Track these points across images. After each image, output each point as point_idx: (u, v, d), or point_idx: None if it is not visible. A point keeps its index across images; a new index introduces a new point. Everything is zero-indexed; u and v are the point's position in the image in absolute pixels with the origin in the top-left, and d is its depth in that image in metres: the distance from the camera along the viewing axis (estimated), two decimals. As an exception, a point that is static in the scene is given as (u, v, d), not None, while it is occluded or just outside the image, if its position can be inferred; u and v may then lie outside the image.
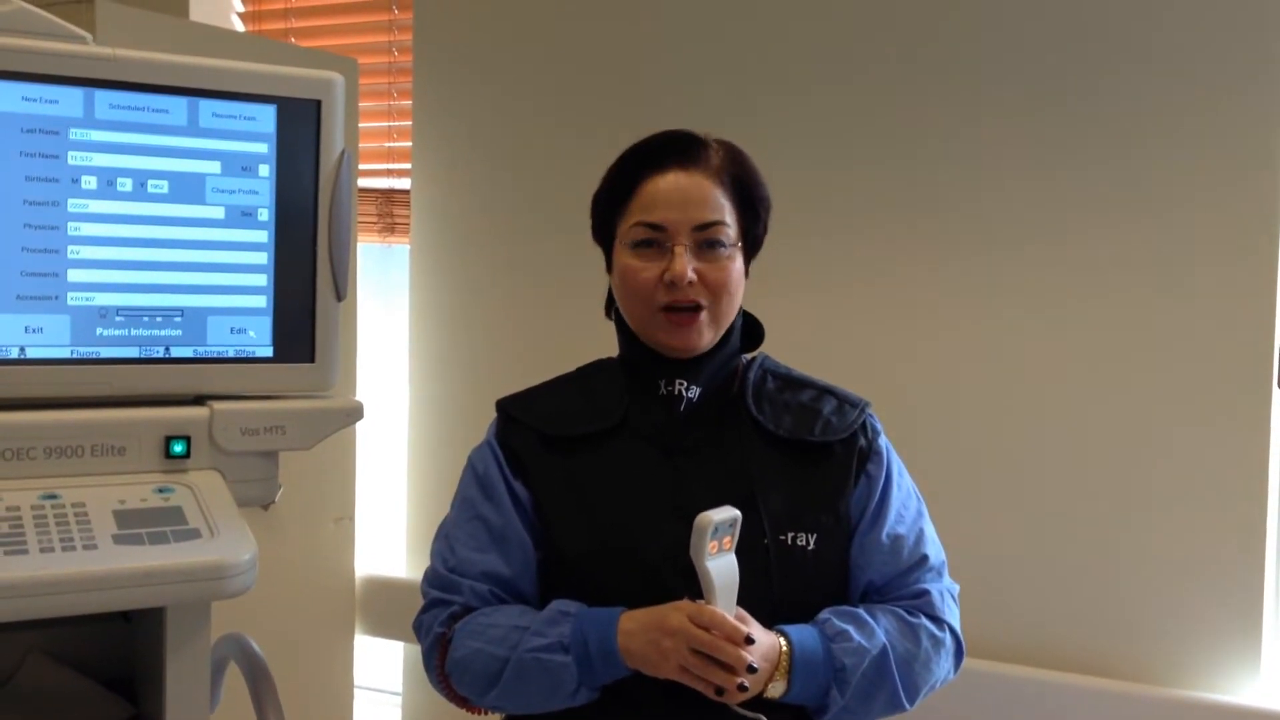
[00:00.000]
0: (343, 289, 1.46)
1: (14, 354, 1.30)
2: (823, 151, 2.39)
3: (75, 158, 1.30)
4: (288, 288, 1.43)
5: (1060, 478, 2.24)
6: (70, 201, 1.30)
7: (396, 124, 2.90)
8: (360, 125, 2.76)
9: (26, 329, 1.30)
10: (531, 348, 2.70)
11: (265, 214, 1.41)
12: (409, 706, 2.91)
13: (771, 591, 1.36)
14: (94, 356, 1.34)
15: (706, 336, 1.41)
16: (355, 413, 1.50)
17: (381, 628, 2.86)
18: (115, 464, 1.33)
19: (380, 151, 2.93)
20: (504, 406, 1.53)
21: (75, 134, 1.30)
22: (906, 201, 2.34)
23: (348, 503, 2.72)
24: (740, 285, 1.43)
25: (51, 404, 1.32)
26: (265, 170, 1.40)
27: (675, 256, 1.38)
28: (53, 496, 1.27)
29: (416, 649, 2.85)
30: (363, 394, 2.66)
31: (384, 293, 2.98)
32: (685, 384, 1.42)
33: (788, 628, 1.35)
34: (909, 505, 1.47)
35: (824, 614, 1.38)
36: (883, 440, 1.48)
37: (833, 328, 2.41)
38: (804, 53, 2.41)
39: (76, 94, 1.29)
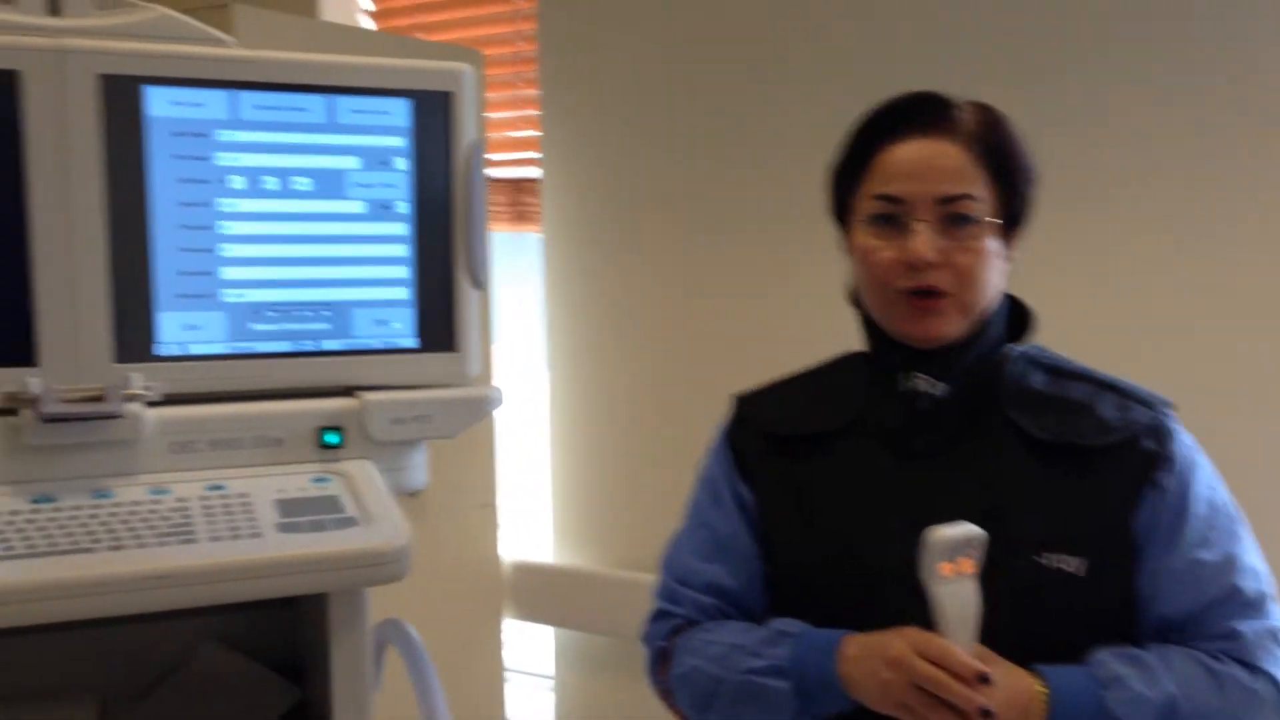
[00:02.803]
0: (480, 278, 1.48)
1: (176, 351, 1.35)
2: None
3: (223, 158, 1.34)
4: (428, 279, 1.45)
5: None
6: (220, 202, 1.34)
7: (523, 113, 2.93)
8: (487, 115, 2.80)
9: (186, 326, 1.34)
10: (663, 331, 2.70)
11: (404, 206, 1.43)
12: (561, 690, 2.95)
13: (1025, 625, 1.18)
14: (249, 351, 1.38)
15: (954, 325, 1.25)
16: (496, 400, 1.52)
17: (531, 612, 2.91)
18: (273, 455, 1.38)
19: (508, 141, 2.97)
20: (736, 403, 1.42)
21: (222, 135, 1.34)
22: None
23: (489, 489, 2.77)
24: (994, 268, 1.26)
25: (212, 398, 1.37)
26: (402, 163, 1.42)
27: (914, 234, 1.22)
28: (218, 487, 1.32)
29: (567, 632, 2.91)
30: (501, 380, 2.70)
31: (516, 279, 3.02)
32: (929, 379, 1.26)
33: (1048, 669, 1.16)
34: (1217, 524, 1.22)
35: (1098, 654, 1.17)
36: (1182, 445, 1.24)
37: (1129, 315, 2.21)
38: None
39: (221, 96, 1.33)
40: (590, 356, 2.82)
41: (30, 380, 1.26)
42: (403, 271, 1.44)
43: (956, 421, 1.27)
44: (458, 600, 2.72)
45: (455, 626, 2.72)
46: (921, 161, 1.24)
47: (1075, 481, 1.22)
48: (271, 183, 1.37)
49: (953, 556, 1.10)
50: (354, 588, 1.33)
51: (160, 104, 1.31)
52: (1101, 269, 2.23)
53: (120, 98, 1.29)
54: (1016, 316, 1.33)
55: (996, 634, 1.15)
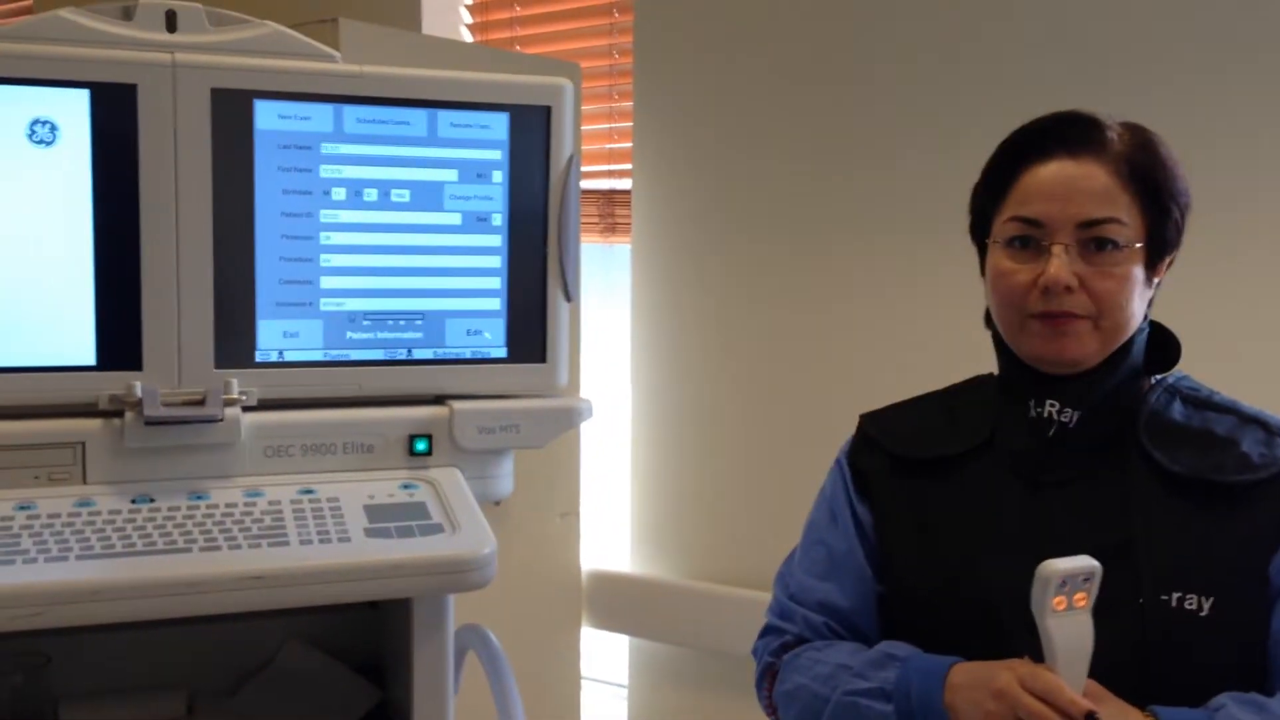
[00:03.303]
0: (572, 290, 1.49)
1: (274, 357, 1.38)
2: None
3: (326, 170, 1.37)
4: (520, 290, 1.47)
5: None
6: (322, 213, 1.37)
7: (617, 125, 2.95)
8: (583, 128, 2.81)
9: (285, 334, 1.37)
10: (748, 343, 2.69)
11: (499, 219, 1.45)
12: (635, 699, 2.95)
13: (1145, 664, 1.13)
14: (344, 359, 1.40)
15: (1089, 348, 1.20)
16: (585, 412, 1.53)
17: (608, 621, 2.91)
18: (364, 460, 1.40)
19: (601, 153, 2.99)
20: (862, 422, 1.39)
21: (326, 148, 1.37)
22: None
23: (573, 498, 2.78)
24: (1137, 294, 1.20)
25: (306, 404, 1.40)
26: (499, 176, 1.44)
27: (1052, 257, 1.18)
28: (309, 491, 1.35)
29: (642, 642, 2.91)
30: (586, 391, 2.72)
31: (605, 291, 3.03)
32: (1059, 405, 1.21)
33: (1163, 710, 1.10)
34: None
35: (1220, 698, 1.11)
36: None
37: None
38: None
39: (327, 110, 1.36)
40: (675, 368, 2.82)
41: (134, 384, 1.30)
42: (495, 283, 1.46)
43: (1088, 451, 1.23)
44: (537, 608, 2.74)
45: (534, 633, 2.74)
46: (1064, 183, 1.20)
47: (1209, 518, 1.17)
48: (371, 194, 1.39)
49: (1066, 590, 1.07)
50: (438, 594, 1.35)
51: (268, 117, 1.34)
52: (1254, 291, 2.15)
53: (231, 111, 1.32)
54: (1161, 345, 1.28)
55: (1117, 672, 1.12)
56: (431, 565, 1.27)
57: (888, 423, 1.37)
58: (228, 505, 1.30)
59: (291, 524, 1.29)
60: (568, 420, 1.50)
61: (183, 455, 1.33)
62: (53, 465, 1.29)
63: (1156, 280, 1.25)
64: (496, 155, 1.43)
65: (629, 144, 2.87)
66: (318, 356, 1.39)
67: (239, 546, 1.24)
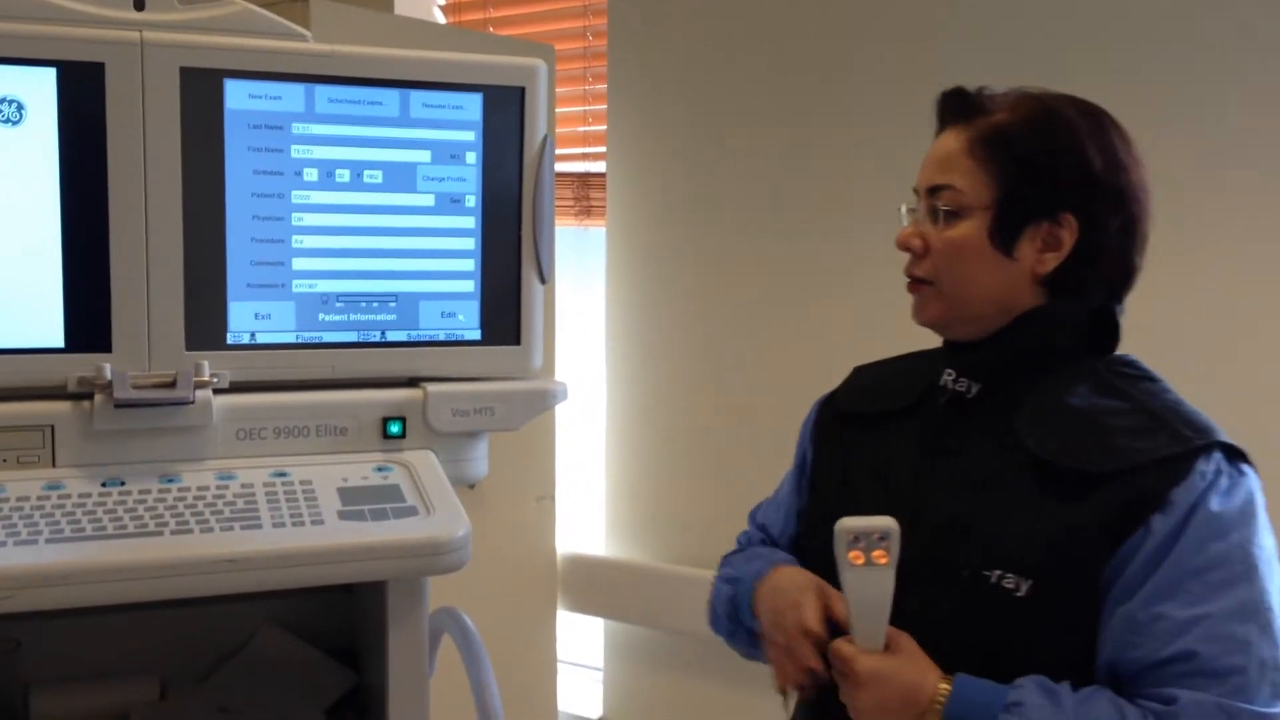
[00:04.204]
0: (546, 272, 1.48)
1: (245, 339, 1.37)
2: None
3: (298, 151, 1.36)
4: (494, 272, 1.46)
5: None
6: (294, 193, 1.36)
7: (592, 108, 2.94)
8: (557, 111, 2.80)
9: (256, 315, 1.36)
10: (725, 328, 2.70)
11: (472, 200, 1.44)
12: (610, 681, 2.96)
13: (964, 634, 1.15)
14: (317, 341, 1.39)
15: (933, 312, 1.25)
16: (559, 394, 1.52)
17: (583, 604, 2.92)
18: (337, 443, 1.40)
19: (575, 136, 2.98)
20: (852, 373, 1.45)
21: (297, 128, 1.35)
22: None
23: (548, 482, 2.78)
24: (981, 261, 1.20)
25: (279, 386, 1.39)
26: (472, 157, 1.43)
27: (908, 221, 1.26)
28: (282, 474, 1.34)
29: (617, 625, 2.92)
30: (561, 375, 2.71)
31: (580, 274, 3.03)
32: (954, 375, 1.25)
33: (964, 677, 1.12)
34: (1207, 579, 1.07)
35: (1024, 679, 1.10)
36: (1192, 488, 1.09)
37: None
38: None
39: (298, 90, 1.35)
40: (649, 352, 2.82)
41: (104, 366, 1.29)
42: (469, 265, 1.45)
43: (977, 424, 1.23)
44: (513, 591, 2.74)
45: (510, 616, 2.74)
46: (931, 153, 1.25)
47: (1052, 504, 1.14)
48: (344, 175, 1.38)
49: (862, 546, 1.12)
50: (413, 576, 1.35)
51: (239, 97, 1.33)
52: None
53: (200, 90, 1.31)
54: (1105, 328, 1.25)
55: (937, 638, 1.14)
56: (406, 548, 1.27)
57: (860, 376, 1.43)
58: (199, 488, 1.29)
59: (264, 507, 1.28)
60: (542, 403, 1.50)
61: (153, 438, 1.32)
62: (21, 448, 1.27)
63: (1052, 255, 1.20)
64: (470, 136, 1.43)
65: (603, 127, 2.87)
66: (290, 338, 1.38)
67: (211, 529, 1.23)
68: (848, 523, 1.12)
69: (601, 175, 2.90)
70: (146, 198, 1.30)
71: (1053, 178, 1.18)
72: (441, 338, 1.45)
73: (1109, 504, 1.11)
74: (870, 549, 1.11)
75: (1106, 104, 1.24)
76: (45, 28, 1.25)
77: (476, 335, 1.47)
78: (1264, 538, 1.11)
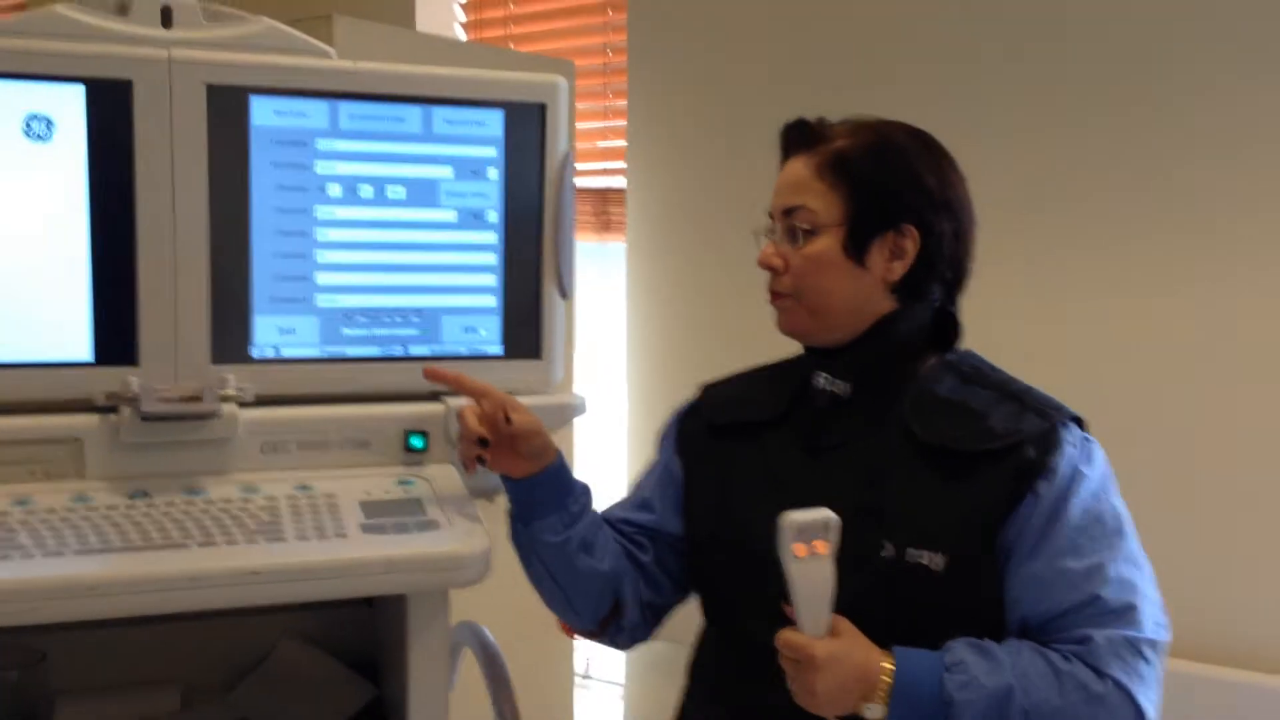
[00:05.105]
0: (567, 287, 1.50)
1: (270, 353, 1.38)
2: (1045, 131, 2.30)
3: (322, 167, 1.37)
4: (515, 287, 1.47)
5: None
6: (317, 209, 1.38)
7: (611, 124, 2.95)
8: (576, 125, 2.82)
9: (280, 330, 1.38)
10: (746, 342, 2.69)
11: (494, 215, 1.45)
12: (631, 697, 2.96)
13: (890, 616, 1.23)
14: (340, 355, 1.41)
15: (800, 322, 1.35)
16: (579, 407, 1.54)
17: (602, 619, 2.92)
18: (360, 457, 1.41)
19: (595, 151, 2.99)
20: (699, 390, 1.51)
21: (321, 144, 1.37)
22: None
23: (568, 496, 2.77)
24: (837, 273, 1.31)
25: (302, 400, 1.40)
26: (494, 173, 1.44)
27: (767, 243, 1.36)
28: (306, 488, 1.35)
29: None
30: (580, 388, 2.72)
31: (600, 288, 3.03)
32: (827, 377, 1.33)
33: (901, 649, 1.21)
34: (1093, 534, 1.24)
35: (953, 642, 1.21)
36: (1066, 456, 1.25)
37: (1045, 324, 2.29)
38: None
39: (323, 106, 1.36)
40: (670, 365, 2.83)
41: (131, 379, 1.30)
42: (491, 279, 1.46)
43: (858, 420, 1.32)
44: (533, 605, 2.72)
45: (529, 631, 2.74)
46: (782, 180, 1.36)
47: (950, 484, 1.26)
48: (367, 191, 1.40)
49: (806, 538, 1.17)
50: (434, 590, 1.36)
51: (264, 113, 1.34)
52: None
53: (226, 107, 1.33)
54: (946, 326, 1.38)
55: (866, 620, 1.21)
56: (427, 562, 1.28)
57: (717, 391, 1.49)
58: (224, 501, 1.30)
59: (288, 520, 1.29)
60: (562, 416, 1.51)
61: (179, 451, 1.33)
62: (49, 460, 1.29)
63: (899, 264, 1.31)
64: (491, 152, 1.44)
65: (623, 142, 2.88)
66: (314, 353, 1.40)
67: (235, 542, 1.24)
68: (792, 516, 1.16)
69: (621, 190, 2.91)
70: (174, 213, 1.31)
71: (894, 193, 1.31)
72: (463, 352, 1.46)
73: (1000, 476, 1.24)
74: (812, 540, 1.17)
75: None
76: (74, 45, 1.28)
77: (498, 350, 1.48)
78: (1118, 494, 1.28)
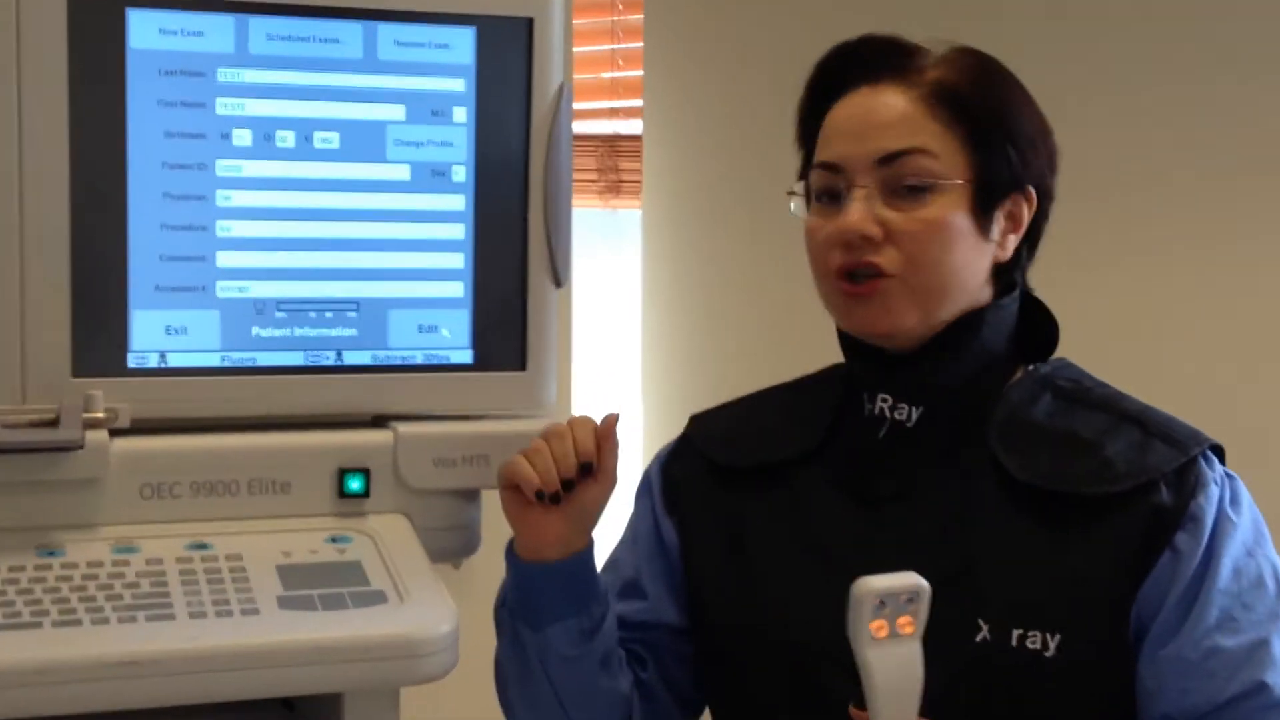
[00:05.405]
0: (562, 272, 1.49)
1: (153, 362, 1.37)
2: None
3: (225, 106, 1.36)
4: (491, 271, 1.47)
5: None
6: (219, 164, 1.37)
7: (623, 47, 2.93)
8: (575, 50, 2.80)
9: (168, 329, 1.37)
10: (799, 341, 2.67)
11: (462, 173, 1.45)
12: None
13: (989, 711, 1.23)
14: (249, 365, 1.40)
15: (904, 314, 1.27)
16: (580, 436, 1.52)
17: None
18: (277, 504, 1.40)
19: (601, 85, 2.98)
20: (688, 423, 1.50)
21: (225, 75, 1.36)
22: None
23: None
24: (961, 247, 1.27)
25: (198, 427, 1.39)
26: (462, 115, 1.44)
27: (850, 202, 1.27)
28: (202, 546, 1.34)
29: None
30: (580, 407, 2.70)
31: (606, 272, 3.03)
32: (891, 401, 1.30)
33: None
34: (1248, 601, 1.22)
35: None
36: (1213, 498, 1.24)
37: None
38: None
39: (227, 23, 1.35)
40: (696, 369, 2.82)
41: (-41, 399, 1.29)
42: (457, 260, 1.46)
43: (933, 457, 1.31)
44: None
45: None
46: (860, 117, 1.29)
47: (1062, 538, 1.25)
48: (287, 139, 1.39)
49: (887, 613, 1.12)
50: (380, 688, 1.34)
51: (146, 32, 1.33)
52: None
53: (93, 23, 1.31)
54: (1036, 327, 1.36)
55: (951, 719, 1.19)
56: (370, 648, 1.26)
57: (714, 421, 1.48)
58: (90, 565, 1.29)
59: (178, 591, 1.27)
60: (557, 448, 1.49)
61: (29, 495, 1.32)
62: None
63: (1014, 237, 1.31)
64: (458, 85, 1.44)
65: (639, 72, 2.86)
66: (213, 361, 1.39)
67: (106, 621, 1.22)
68: (871, 583, 1.12)
69: (636, 139, 2.89)
70: (20, 170, 1.30)
71: (1030, 142, 1.30)
72: (419, 360, 1.46)
73: (1127, 529, 1.23)
74: (895, 616, 1.13)
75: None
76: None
77: (467, 357, 1.47)
78: (1271, 545, 1.27)
